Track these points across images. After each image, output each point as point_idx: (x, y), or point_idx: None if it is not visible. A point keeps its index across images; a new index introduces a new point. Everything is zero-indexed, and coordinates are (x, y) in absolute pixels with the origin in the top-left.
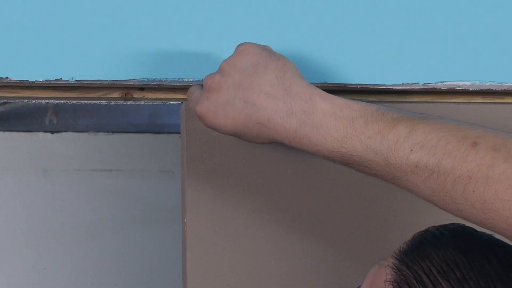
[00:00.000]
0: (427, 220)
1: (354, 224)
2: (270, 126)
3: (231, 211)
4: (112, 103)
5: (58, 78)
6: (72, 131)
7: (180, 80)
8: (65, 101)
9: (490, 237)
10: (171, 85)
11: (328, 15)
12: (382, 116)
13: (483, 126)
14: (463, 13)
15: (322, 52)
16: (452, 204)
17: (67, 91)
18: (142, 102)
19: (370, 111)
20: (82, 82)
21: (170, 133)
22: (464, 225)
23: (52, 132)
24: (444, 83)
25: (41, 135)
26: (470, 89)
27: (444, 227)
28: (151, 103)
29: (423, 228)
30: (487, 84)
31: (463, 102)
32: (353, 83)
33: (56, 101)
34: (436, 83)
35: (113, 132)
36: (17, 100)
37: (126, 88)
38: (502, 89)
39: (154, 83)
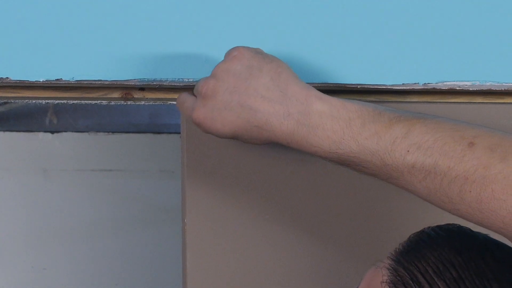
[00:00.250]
0: (427, 220)
1: (354, 224)
2: (267, 128)
3: (231, 211)
4: (112, 103)
5: (59, 78)
6: (72, 131)
7: (181, 80)
8: (65, 101)
9: (485, 237)
10: (171, 85)
11: (328, 15)
12: (378, 116)
13: (480, 125)
14: (463, 13)
15: (322, 52)
16: (449, 204)
17: (67, 91)
18: (142, 102)
19: (366, 112)
20: (82, 82)
21: (170, 133)
22: (459, 225)
23: (52, 132)
24: (445, 83)
25: (41, 135)
26: (471, 89)
27: (439, 227)
28: (151, 103)
29: (423, 227)
30: (488, 84)
31: (463, 102)
32: (353, 83)
33: (56, 101)
34: (436, 83)
35: (113, 132)
36: (17, 100)
37: (126, 88)
38: (503, 89)
39: (154, 83)
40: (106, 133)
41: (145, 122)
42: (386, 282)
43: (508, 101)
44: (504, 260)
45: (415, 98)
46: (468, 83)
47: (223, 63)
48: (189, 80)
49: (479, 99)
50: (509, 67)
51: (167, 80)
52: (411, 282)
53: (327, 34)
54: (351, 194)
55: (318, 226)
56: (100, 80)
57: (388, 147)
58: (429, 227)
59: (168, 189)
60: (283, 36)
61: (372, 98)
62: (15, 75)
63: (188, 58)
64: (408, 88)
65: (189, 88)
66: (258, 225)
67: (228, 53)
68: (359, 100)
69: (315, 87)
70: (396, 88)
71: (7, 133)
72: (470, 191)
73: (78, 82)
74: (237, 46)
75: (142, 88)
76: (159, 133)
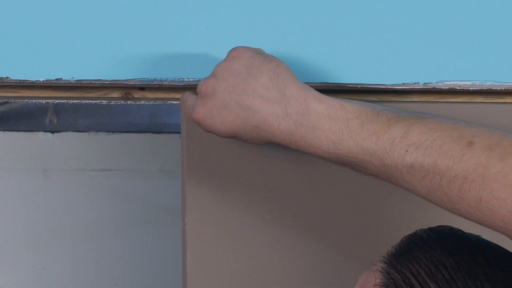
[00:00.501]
0: (428, 219)
1: (354, 224)
2: (266, 128)
3: (231, 211)
4: (113, 102)
5: (59, 78)
6: (72, 131)
7: (181, 79)
8: (65, 101)
9: (477, 238)
10: (172, 84)
11: (328, 15)
12: (377, 116)
13: (479, 124)
14: (464, 13)
15: (322, 52)
16: (449, 203)
17: (67, 90)
18: (143, 102)
19: (365, 112)
20: (82, 82)
21: (170, 132)
22: (451, 227)
23: (52, 132)
24: (445, 82)
25: (41, 134)
26: (471, 89)
27: (431, 229)
28: (151, 102)
29: (423, 227)
30: (488, 84)
31: (463, 102)
32: (353, 83)
33: (57, 101)
34: (436, 82)
35: (113, 132)
36: (17, 100)
37: (126, 88)
38: (503, 88)
39: (154, 82)
40: (106, 133)
41: (145, 121)
42: (379, 285)
43: (509, 101)
44: (496, 260)
45: (415, 98)
46: (468, 83)
47: (223, 62)
48: (189, 79)
49: (479, 99)
50: (509, 67)
51: (167, 80)
52: (403, 284)
53: (327, 34)
54: (351, 193)
55: (318, 226)
56: (100, 79)
57: (387, 147)
58: (421, 229)
59: (168, 189)
60: (283, 36)
61: (372, 98)
62: (15, 75)
63: (188, 57)
64: (408, 87)
65: (189, 88)
66: (258, 225)
67: (229, 53)
68: (359, 100)
69: (315, 87)
70: (396, 88)
71: (7, 133)
72: (470, 190)
73: (78, 81)
74: (238, 46)
75: (142, 88)
76: (159, 133)
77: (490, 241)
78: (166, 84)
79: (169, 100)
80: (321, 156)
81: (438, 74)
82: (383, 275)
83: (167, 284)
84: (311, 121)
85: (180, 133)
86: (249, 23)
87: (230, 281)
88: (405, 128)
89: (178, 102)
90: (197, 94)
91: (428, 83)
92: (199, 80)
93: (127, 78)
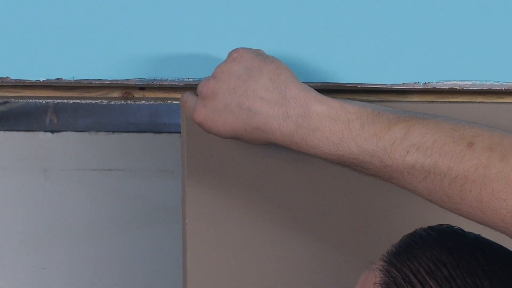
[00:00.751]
0: (429, 219)
1: (355, 224)
2: (267, 130)
3: (231, 211)
4: (113, 102)
5: (59, 77)
6: (72, 131)
7: (181, 79)
8: (65, 101)
9: (477, 237)
10: (172, 84)
11: (328, 15)
12: (377, 117)
13: (479, 125)
14: (464, 13)
15: (322, 52)
16: (450, 203)
17: (67, 90)
18: (143, 102)
19: (365, 113)
20: (82, 82)
21: (170, 132)
22: (451, 225)
23: (52, 132)
24: (445, 82)
25: (41, 134)
26: (471, 88)
27: (431, 228)
28: (151, 102)
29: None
30: (488, 83)
31: (463, 102)
32: (353, 82)
33: (57, 101)
34: (436, 82)
35: (113, 131)
36: (17, 100)
37: (126, 88)
38: (503, 88)
39: (154, 82)
40: (106, 133)
41: (145, 121)
42: (378, 283)
43: (509, 101)
44: (495, 258)
45: (415, 98)
46: (469, 83)
47: (223, 64)
48: (189, 79)
49: (479, 99)
50: (509, 67)
51: (167, 80)
52: (403, 282)
53: (327, 34)
54: (352, 193)
55: (319, 226)
56: (100, 79)
57: (388, 149)
58: (421, 228)
59: (168, 189)
60: (284, 36)
61: (372, 97)
62: (15, 75)
63: (188, 57)
64: (409, 87)
65: (189, 88)
66: (258, 225)
67: (229, 54)
68: (360, 99)
69: (315, 87)
70: (396, 87)
71: (7, 133)
72: (471, 191)
73: (78, 81)
74: (238, 48)
75: (142, 88)
76: (159, 132)
77: (490, 240)
78: (166, 84)
79: (169, 100)
80: (321, 157)
81: (438, 74)
82: (383, 274)
83: (167, 284)
84: (311, 122)
85: (180, 133)
86: (249, 23)
87: (230, 281)
88: (405, 129)
89: (178, 102)
90: (197, 95)
91: (428, 83)
92: (199, 80)
93: (127, 78)
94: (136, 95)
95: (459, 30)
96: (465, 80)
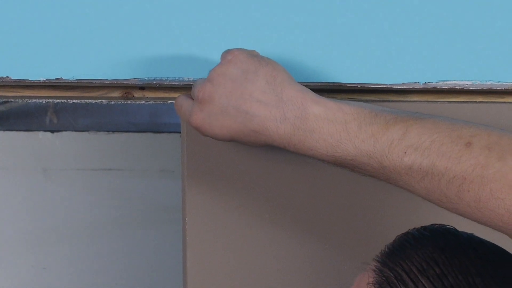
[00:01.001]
0: (428, 219)
1: (354, 224)
2: (264, 133)
3: (231, 211)
4: (113, 102)
5: (59, 77)
6: (72, 131)
7: (181, 79)
8: (65, 101)
9: (470, 236)
10: (172, 84)
11: (328, 15)
12: (375, 118)
13: (478, 124)
14: (464, 12)
15: (322, 52)
16: (448, 203)
17: (67, 90)
18: (143, 102)
19: (363, 114)
20: (82, 82)
21: (170, 132)
22: (444, 225)
23: (52, 132)
24: (445, 82)
25: (41, 134)
26: (471, 88)
27: (424, 228)
28: (151, 102)
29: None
30: (488, 83)
31: (463, 102)
32: (353, 83)
33: (57, 101)
34: (436, 82)
35: (113, 131)
36: (17, 100)
37: (126, 87)
38: (503, 88)
39: (154, 82)
40: (106, 133)
41: (145, 121)
42: (372, 283)
43: (509, 101)
44: (488, 256)
45: (415, 98)
46: (469, 83)
47: (218, 67)
48: (189, 79)
49: (479, 99)
50: (509, 67)
51: (167, 80)
52: (395, 281)
53: (326, 34)
54: (351, 193)
55: (318, 225)
56: (100, 79)
57: (385, 150)
58: (414, 228)
59: (168, 188)
60: (283, 36)
61: (372, 97)
62: (15, 74)
63: (188, 57)
64: (409, 87)
65: (189, 88)
66: (258, 225)
67: (223, 57)
68: (359, 99)
69: (315, 87)
70: (396, 87)
71: (7, 133)
72: (469, 191)
73: (78, 81)
74: (232, 49)
75: (142, 87)
76: (159, 132)
77: (483, 239)
78: (166, 84)
79: (169, 100)
80: (319, 158)
81: (438, 73)
82: (376, 274)
83: (167, 284)
84: (309, 124)
85: (180, 133)
86: (248, 23)
87: (230, 281)
88: (403, 130)
89: None
90: (191, 98)
91: (428, 82)
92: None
93: (127, 78)
94: (136, 95)
95: (459, 30)
96: (465, 80)
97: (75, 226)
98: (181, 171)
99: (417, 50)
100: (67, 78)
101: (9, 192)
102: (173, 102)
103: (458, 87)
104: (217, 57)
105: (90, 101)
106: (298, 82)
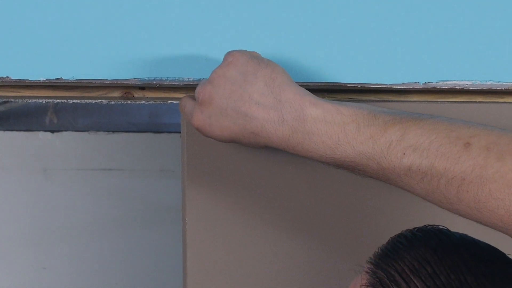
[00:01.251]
0: (428, 219)
1: (354, 224)
2: (263, 135)
3: (231, 211)
4: (113, 102)
5: (59, 77)
6: (72, 131)
7: (181, 79)
8: (65, 101)
9: (462, 236)
10: (172, 84)
11: (328, 15)
12: (373, 119)
13: (477, 124)
14: (464, 12)
15: (322, 52)
16: (447, 204)
17: (67, 90)
18: (143, 102)
19: (361, 115)
20: (82, 82)
21: (170, 132)
22: (437, 225)
23: (52, 132)
24: (445, 82)
25: (41, 134)
26: (471, 88)
27: (417, 229)
28: (151, 102)
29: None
30: (488, 83)
31: (463, 102)
32: (353, 83)
33: (57, 101)
34: (436, 82)
35: (113, 131)
36: (17, 100)
37: (126, 87)
38: (503, 88)
39: (154, 82)
40: (106, 133)
41: (145, 121)
42: (365, 285)
43: (509, 101)
44: (480, 255)
45: (415, 98)
46: (469, 83)
47: (219, 68)
48: (189, 79)
49: (479, 99)
50: (509, 67)
51: (167, 80)
52: (388, 282)
53: (326, 34)
54: (351, 194)
55: (318, 226)
56: (100, 79)
57: (384, 151)
58: (407, 229)
59: (168, 188)
60: (283, 36)
61: (372, 97)
62: (15, 74)
63: (188, 57)
64: (409, 87)
65: (189, 88)
66: (258, 225)
67: (224, 58)
68: (359, 99)
69: (315, 87)
70: (396, 87)
71: (7, 133)
72: (468, 191)
73: (78, 81)
74: (233, 51)
75: (142, 87)
76: (159, 132)
77: (475, 238)
78: (166, 84)
79: (169, 100)
80: (318, 160)
81: (438, 73)
82: (369, 275)
83: (167, 284)
84: (307, 126)
85: (180, 133)
86: (248, 23)
87: (230, 281)
88: (402, 131)
89: (178, 101)
90: (195, 99)
91: (428, 82)
92: (199, 80)
93: (127, 78)
94: (136, 95)
95: (459, 30)
96: (465, 80)
97: (75, 226)
98: (181, 171)
99: (417, 50)
100: (67, 78)
101: (9, 192)
102: (173, 102)
103: (458, 87)
104: (217, 57)
105: (90, 101)
106: (298, 82)
